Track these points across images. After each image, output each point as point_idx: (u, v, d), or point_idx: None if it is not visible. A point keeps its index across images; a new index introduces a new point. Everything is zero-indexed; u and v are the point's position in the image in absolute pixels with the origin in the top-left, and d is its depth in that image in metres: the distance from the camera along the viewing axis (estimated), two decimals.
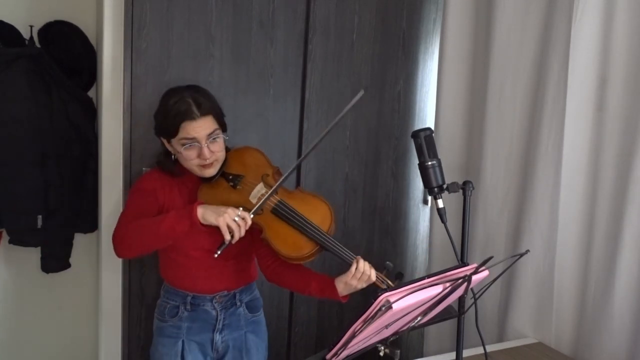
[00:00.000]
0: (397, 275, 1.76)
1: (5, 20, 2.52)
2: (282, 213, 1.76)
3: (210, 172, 1.78)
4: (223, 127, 1.80)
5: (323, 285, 1.76)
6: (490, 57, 2.42)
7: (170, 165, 1.82)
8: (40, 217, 2.52)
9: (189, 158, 1.73)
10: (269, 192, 1.75)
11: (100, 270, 2.39)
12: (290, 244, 1.74)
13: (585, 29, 2.07)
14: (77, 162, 2.60)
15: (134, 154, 2.11)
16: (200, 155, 1.72)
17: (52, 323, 2.86)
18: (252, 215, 1.69)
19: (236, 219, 1.64)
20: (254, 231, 1.78)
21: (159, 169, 1.86)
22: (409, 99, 2.66)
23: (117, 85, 2.17)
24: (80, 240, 2.74)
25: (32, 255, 2.69)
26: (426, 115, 2.71)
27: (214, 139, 1.74)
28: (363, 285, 1.71)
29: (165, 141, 1.80)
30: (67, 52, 2.61)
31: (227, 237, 1.64)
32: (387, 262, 1.77)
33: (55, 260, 2.65)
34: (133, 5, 2.05)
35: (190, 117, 1.69)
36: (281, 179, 1.76)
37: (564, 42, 2.12)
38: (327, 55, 2.43)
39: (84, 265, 2.81)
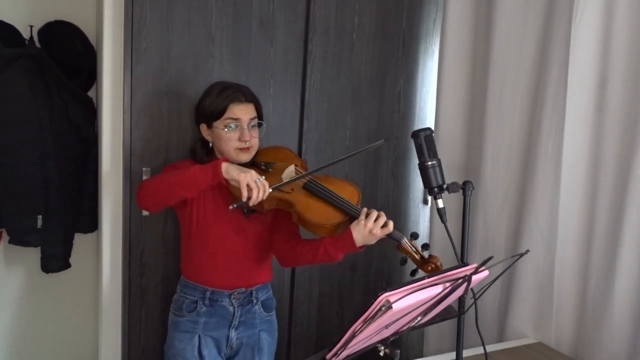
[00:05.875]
0: (423, 245, 1.81)
1: (5, 20, 2.52)
2: (313, 187, 1.87)
3: (246, 157, 1.91)
4: (261, 119, 1.96)
5: (336, 237, 1.80)
6: (490, 57, 2.42)
7: (202, 154, 1.95)
8: (40, 217, 2.52)
9: (231, 139, 1.87)
10: (301, 175, 1.85)
11: (100, 270, 2.39)
12: (320, 213, 1.82)
13: (585, 29, 2.07)
14: (77, 162, 2.60)
15: (134, 154, 2.11)
16: (241, 137, 1.87)
17: (52, 323, 2.86)
18: (271, 190, 1.73)
19: (257, 181, 1.70)
20: (277, 216, 1.92)
21: (191, 160, 1.97)
22: (409, 99, 2.66)
23: (117, 85, 2.17)
24: (80, 240, 2.74)
25: (32, 255, 2.69)
26: (426, 115, 2.71)
27: (253, 125, 1.91)
28: (379, 231, 1.74)
29: (204, 127, 1.92)
30: (67, 52, 2.61)
31: (245, 193, 1.68)
32: (414, 232, 1.84)
33: (55, 260, 2.64)
34: (133, 5, 2.05)
35: (238, 99, 1.88)
36: (317, 168, 1.86)
37: (564, 42, 2.12)
38: (327, 55, 2.43)
39: (84, 265, 2.81)
